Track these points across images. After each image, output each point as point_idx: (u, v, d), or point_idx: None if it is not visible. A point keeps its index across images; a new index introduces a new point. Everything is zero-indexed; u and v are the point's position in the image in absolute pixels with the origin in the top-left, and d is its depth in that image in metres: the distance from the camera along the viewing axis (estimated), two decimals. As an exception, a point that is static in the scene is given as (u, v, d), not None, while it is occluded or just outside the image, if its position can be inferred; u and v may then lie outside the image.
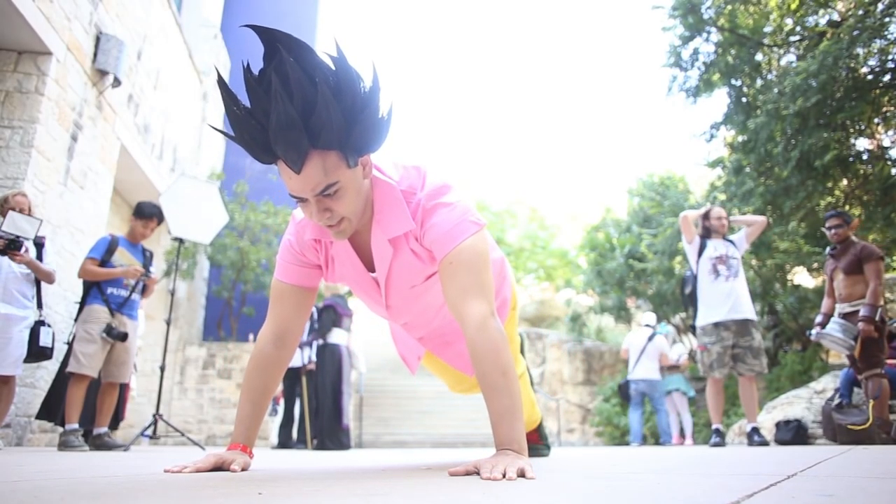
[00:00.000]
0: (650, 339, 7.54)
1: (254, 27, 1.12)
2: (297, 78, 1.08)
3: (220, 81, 1.14)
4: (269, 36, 1.11)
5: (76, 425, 3.85)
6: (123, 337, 3.96)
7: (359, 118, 1.16)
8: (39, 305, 3.88)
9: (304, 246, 1.47)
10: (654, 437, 8.36)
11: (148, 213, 4.22)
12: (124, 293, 4.09)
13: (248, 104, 1.13)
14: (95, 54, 5.96)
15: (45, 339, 3.73)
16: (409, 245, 1.39)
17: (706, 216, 4.80)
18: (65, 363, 4.12)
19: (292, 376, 6.31)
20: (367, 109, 1.16)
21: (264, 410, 1.49)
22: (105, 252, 4.04)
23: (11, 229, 3.54)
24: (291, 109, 1.08)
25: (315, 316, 6.18)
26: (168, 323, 5.02)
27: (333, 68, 1.12)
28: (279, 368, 1.50)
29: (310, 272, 1.50)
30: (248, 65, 1.12)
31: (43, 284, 3.90)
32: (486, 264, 1.34)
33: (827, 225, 4.48)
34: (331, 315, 6.03)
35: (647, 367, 7.46)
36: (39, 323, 3.77)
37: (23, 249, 3.58)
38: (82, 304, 4.07)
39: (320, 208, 1.23)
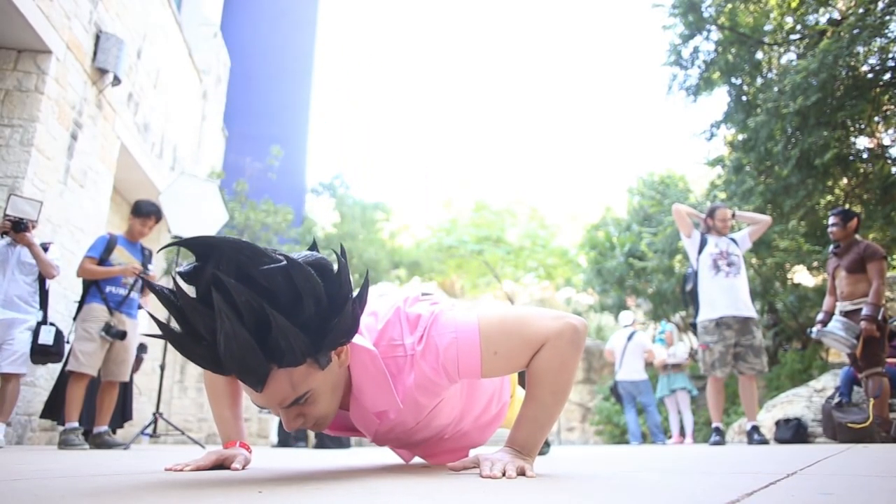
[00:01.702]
0: (629, 339, 7.52)
1: (187, 241, 0.95)
2: (244, 298, 0.91)
3: (162, 298, 0.96)
4: (204, 245, 0.95)
5: (76, 424, 3.85)
6: (122, 335, 3.96)
7: (327, 326, 1.00)
8: (43, 307, 3.98)
9: None
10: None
11: (146, 212, 4.22)
12: (123, 292, 4.09)
13: (187, 319, 0.96)
14: (95, 53, 5.96)
15: (44, 338, 3.83)
16: (405, 401, 1.21)
17: (711, 215, 4.79)
18: (65, 362, 4.13)
19: None
20: (336, 312, 1.00)
21: (240, 407, 1.49)
22: (103, 251, 4.05)
23: (14, 212, 3.76)
24: (242, 331, 0.91)
25: None
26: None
27: (287, 273, 0.95)
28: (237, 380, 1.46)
29: None
30: (181, 275, 0.96)
31: (48, 288, 4.02)
32: (510, 313, 1.21)
33: (828, 222, 4.51)
34: None
35: (630, 368, 7.43)
36: (41, 323, 3.90)
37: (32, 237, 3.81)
38: (81, 302, 4.08)
39: (291, 416, 1.07)
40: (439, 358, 1.15)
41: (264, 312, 0.92)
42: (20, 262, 3.93)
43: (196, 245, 0.95)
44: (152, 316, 1.04)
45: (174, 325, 1.01)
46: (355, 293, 1.06)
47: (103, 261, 4.04)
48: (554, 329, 1.18)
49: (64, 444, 3.75)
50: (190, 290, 0.97)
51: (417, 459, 1.72)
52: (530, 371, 1.20)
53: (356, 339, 1.15)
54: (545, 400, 1.19)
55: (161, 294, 0.95)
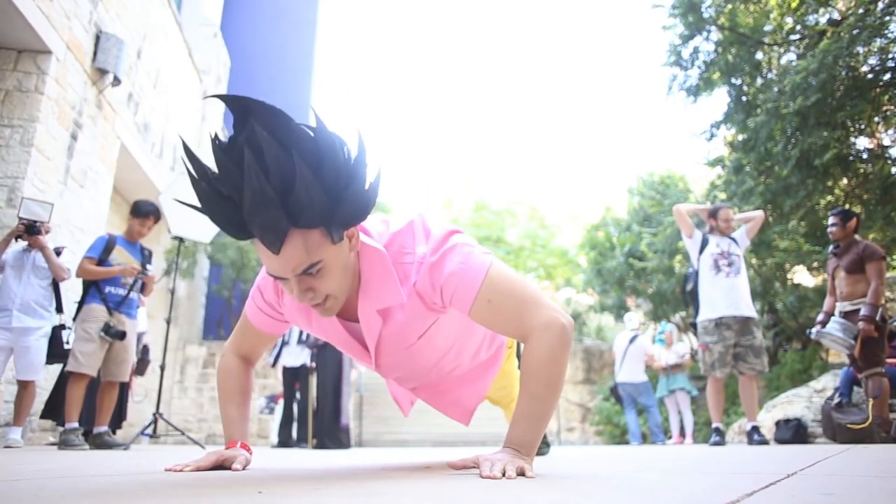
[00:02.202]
0: (631, 341, 7.53)
1: (224, 97, 1.01)
2: (273, 153, 0.97)
3: (190, 154, 1.03)
4: (239, 104, 1.00)
5: (76, 424, 3.86)
6: (121, 335, 3.96)
7: (343, 194, 1.05)
8: (59, 311, 4.09)
9: (274, 300, 1.39)
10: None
11: (145, 212, 4.22)
12: (122, 292, 4.10)
13: (217, 176, 1.02)
14: (95, 53, 5.96)
15: (67, 340, 3.99)
16: (413, 303, 1.26)
17: (714, 215, 4.79)
18: (65, 363, 4.14)
19: (292, 375, 6.31)
20: (351, 183, 1.06)
21: (248, 409, 1.50)
22: (102, 251, 4.06)
23: (28, 215, 3.84)
24: (268, 187, 0.97)
25: None
26: (168, 322, 5.02)
27: (313, 138, 1.02)
28: (250, 373, 1.52)
29: (280, 324, 1.44)
30: (216, 136, 1.02)
31: (63, 292, 4.13)
32: (520, 280, 1.26)
33: (828, 222, 4.52)
34: None
35: (630, 369, 7.44)
36: (60, 327, 4.02)
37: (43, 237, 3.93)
38: (81, 303, 4.09)
39: (302, 288, 1.12)
40: (441, 278, 1.21)
41: (290, 169, 0.98)
42: (35, 267, 4.01)
43: (234, 105, 1.00)
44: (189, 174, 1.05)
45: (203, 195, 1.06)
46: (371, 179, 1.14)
47: (102, 261, 4.05)
48: (548, 317, 1.20)
49: (64, 444, 3.75)
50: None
51: (418, 461, 1.72)
52: (523, 366, 1.22)
53: (367, 239, 1.23)
54: (538, 393, 1.20)
55: (194, 158, 1.02)
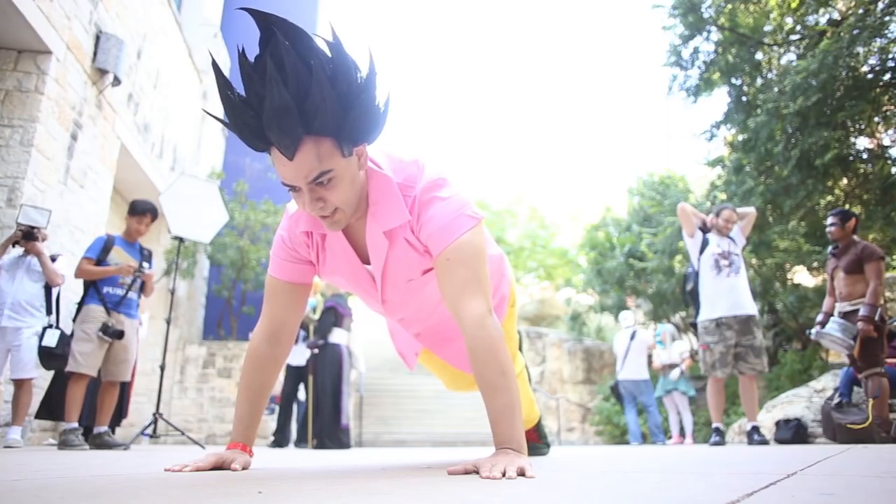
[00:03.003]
0: (632, 338, 7.55)
1: (250, 10, 1.10)
2: (293, 62, 1.06)
3: (215, 66, 1.12)
4: (265, 20, 1.09)
5: (76, 424, 3.87)
6: (119, 335, 3.96)
7: (354, 105, 1.13)
8: (49, 312, 4.14)
9: (297, 241, 1.44)
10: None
11: (141, 210, 4.23)
12: (121, 292, 4.10)
13: (242, 90, 1.11)
14: (95, 53, 5.96)
15: (47, 340, 3.97)
16: (405, 237, 1.36)
17: (717, 214, 4.80)
18: (64, 363, 4.14)
19: (296, 374, 6.31)
20: (362, 97, 1.14)
21: (262, 409, 1.49)
22: (101, 251, 4.08)
23: (26, 221, 3.93)
24: (286, 94, 1.06)
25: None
26: (168, 322, 5.02)
27: (329, 54, 1.10)
28: (275, 366, 1.49)
29: (303, 268, 1.47)
30: (243, 49, 1.11)
31: (63, 293, 4.21)
32: (483, 260, 1.32)
33: (826, 222, 4.52)
34: (331, 316, 6.04)
35: (632, 367, 7.46)
36: (46, 327, 4.05)
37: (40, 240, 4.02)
38: (81, 303, 4.09)
39: (313, 198, 1.20)
40: (425, 215, 1.32)
41: (307, 79, 1.07)
42: (29, 270, 4.07)
43: (259, 19, 1.08)
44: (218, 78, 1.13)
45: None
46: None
47: (101, 261, 4.06)
48: (482, 314, 1.26)
49: (63, 444, 3.76)
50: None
51: (417, 461, 1.72)
52: (472, 362, 1.26)
53: (375, 167, 1.33)
54: (499, 383, 1.23)
55: (220, 72, 1.11)
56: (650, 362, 7.82)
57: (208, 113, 1.17)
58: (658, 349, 7.77)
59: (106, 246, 4.10)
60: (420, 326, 1.69)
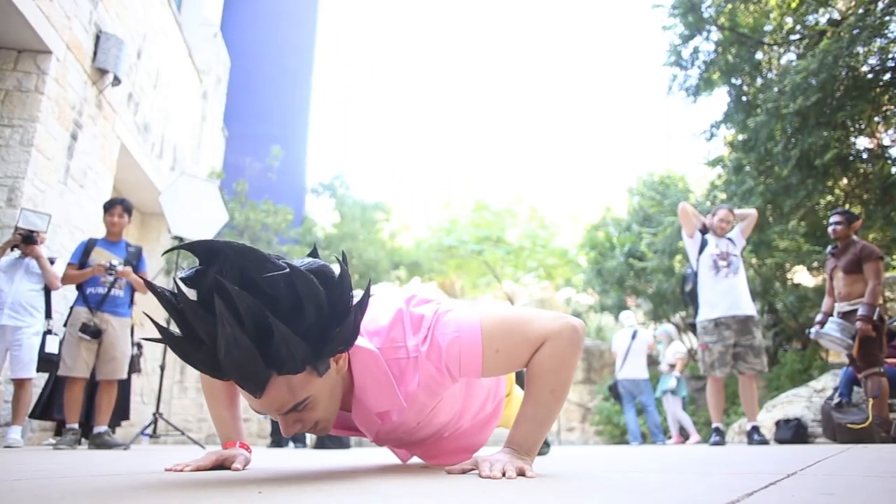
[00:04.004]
0: (633, 337, 7.54)
1: (189, 245, 0.96)
2: (246, 304, 0.91)
3: (163, 300, 0.94)
4: (206, 248, 0.95)
5: (75, 426, 3.89)
6: (96, 333, 3.95)
7: (326, 335, 1.00)
8: (48, 315, 4.14)
9: None
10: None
11: (109, 204, 4.24)
12: (103, 290, 4.09)
13: (186, 324, 0.95)
14: (95, 53, 5.96)
15: (50, 347, 3.99)
16: (408, 401, 1.22)
17: (714, 215, 4.81)
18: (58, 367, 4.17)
19: None
20: (335, 322, 1.00)
21: (239, 407, 1.48)
22: (82, 255, 4.11)
23: (25, 225, 3.94)
24: (243, 338, 0.91)
25: None
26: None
27: (290, 282, 0.95)
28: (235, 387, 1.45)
29: None
30: (177, 289, 0.95)
31: (52, 296, 4.18)
32: (511, 313, 1.23)
33: (830, 220, 4.48)
34: None
35: (632, 366, 7.45)
36: (47, 332, 4.05)
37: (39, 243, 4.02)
38: (71, 308, 4.13)
39: (289, 422, 1.09)
40: (442, 357, 1.17)
41: (266, 320, 0.92)
42: (28, 271, 4.07)
43: (199, 249, 0.95)
44: (150, 318, 1.03)
45: (174, 328, 1.00)
46: (356, 299, 1.06)
47: (83, 265, 4.08)
48: (554, 328, 1.19)
49: (61, 444, 3.77)
50: (191, 294, 0.96)
51: (416, 459, 1.72)
52: (530, 370, 1.21)
53: (358, 340, 1.15)
54: (544, 398, 1.19)
55: (162, 297, 0.94)
56: (652, 362, 7.83)
57: (149, 339, 1.02)
58: (660, 349, 7.78)
59: (87, 249, 4.13)
60: (415, 448, 1.57)
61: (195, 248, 0.95)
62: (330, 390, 1.10)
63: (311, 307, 0.96)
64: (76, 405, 3.92)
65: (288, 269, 0.95)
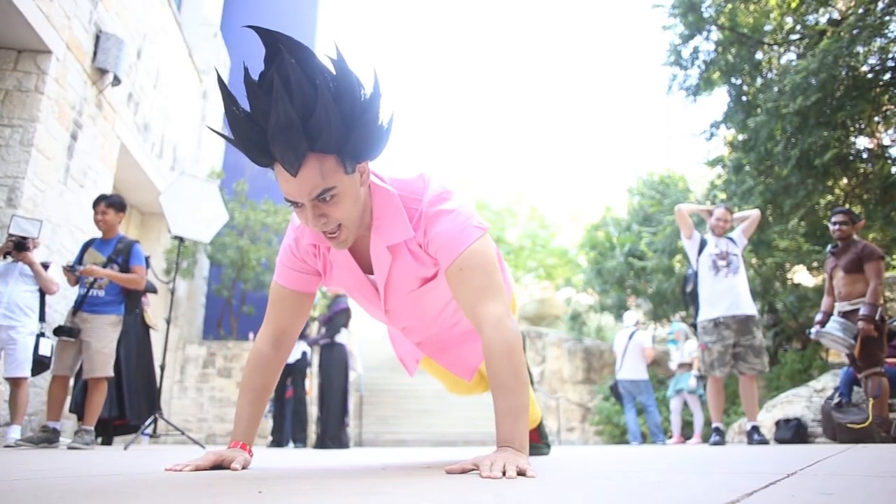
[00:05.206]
0: (630, 338, 7.54)
1: (256, 28, 1.12)
2: (298, 79, 1.07)
3: (221, 82, 1.14)
4: (270, 37, 1.11)
5: (56, 424, 3.88)
6: (68, 332, 3.91)
7: (357, 124, 1.15)
8: (42, 318, 4.11)
9: (304, 251, 1.46)
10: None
11: (94, 202, 4.20)
12: (83, 290, 4.08)
13: (247, 106, 1.12)
14: (95, 53, 5.96)
15: (43, 349, 3.99)
16: (408, 249, 1.39)
17: (710, 214, 4.82)
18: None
19: (285, 372, 6.30)
20: (366, 115, 1.15)
21: (263, 409, 1.52)
22: (79, 256, 4.12)
23: (17, 231, 3.89)
24: (291, 110, 1.07)
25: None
26: (168, 322, 5.03)
27: (334, 72, 1.12)
28: (277, 368, 1.53)
29: (309, 278, 1.50)
30: (247, 67, 1.12)
31: (53, 298, 4.18)
32: (495, 266, 1.35)
33: (832, 220, 4.44)
34: (344, 317, 6.06)
35: (630, 367, 7.45)
36: (40, 335, 4.03)
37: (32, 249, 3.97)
38: None
39: (316, 213, 1.21)
40: (431, 233, 1.34)
41: (312, 96, 1.08)
42: (23, 274, 4.05)
43: (266, 37, 1.11)
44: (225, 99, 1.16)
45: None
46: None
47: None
48: (499, 316, 1.28)
49: (36, 441, 3.74)
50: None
51: (417, 461, 1.72)
52: (486, 360, 1.28)
53: (378, 182, 1.34)
54: (511, 385, 1.24)
55: (226, 89, 1.13)
56: (653, 363, 7.81)
57: (212, 129, 1.20)
58: (672, 349, 7.76)
59: (82, 251, 4.14)
60: (422, 335, 1.72)
61: (263, 35, 1.11)
62: (354, 195, 1.24)
63: (348, 95, 1.12)
64: (56, 403, 3.91)
65: (336, 61, 1.13)
